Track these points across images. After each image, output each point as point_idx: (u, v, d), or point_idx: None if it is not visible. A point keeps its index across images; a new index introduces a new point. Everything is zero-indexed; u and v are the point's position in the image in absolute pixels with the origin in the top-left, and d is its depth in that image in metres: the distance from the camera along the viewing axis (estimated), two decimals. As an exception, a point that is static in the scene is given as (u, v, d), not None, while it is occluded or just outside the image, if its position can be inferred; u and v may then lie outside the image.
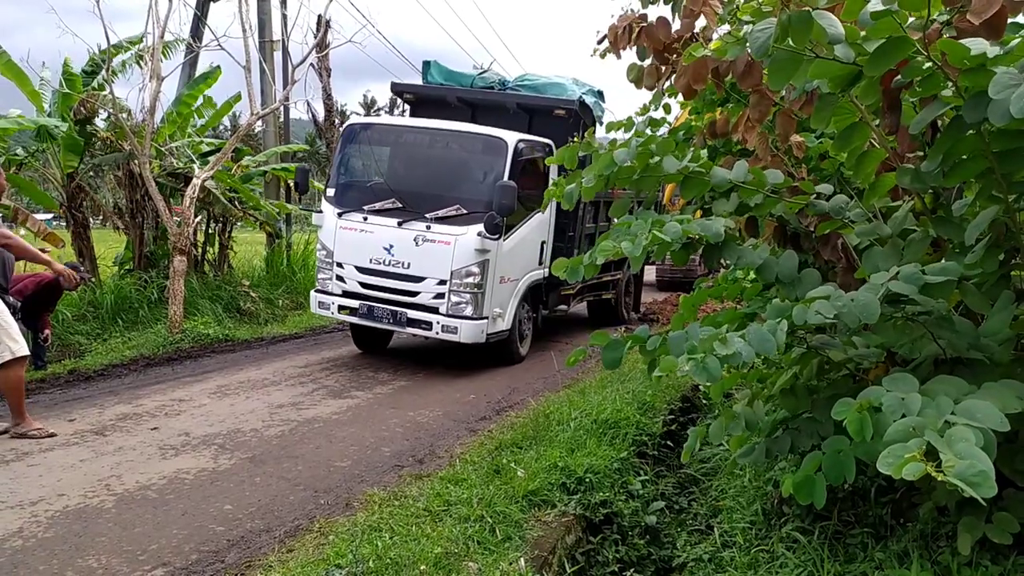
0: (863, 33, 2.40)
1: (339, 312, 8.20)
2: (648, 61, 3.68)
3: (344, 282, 8.22)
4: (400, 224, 7.91)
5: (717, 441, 3.72)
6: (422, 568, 3.40)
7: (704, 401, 6.89)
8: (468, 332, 7.73)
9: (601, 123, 8.46)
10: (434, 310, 7.79)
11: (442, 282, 7.75)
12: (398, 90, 10.25)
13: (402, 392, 7.25)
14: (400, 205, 8.05)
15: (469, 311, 7.75)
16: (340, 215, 8.25)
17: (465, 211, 7.83)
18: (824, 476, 2.59)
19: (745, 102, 3.42)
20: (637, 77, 3.89)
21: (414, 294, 7.85)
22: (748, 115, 3.31)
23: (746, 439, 3.62)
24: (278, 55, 13.14)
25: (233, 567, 3.62)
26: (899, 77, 2.52)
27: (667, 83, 3.78)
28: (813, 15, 2.31)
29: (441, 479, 4.56)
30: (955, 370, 2.63)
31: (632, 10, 3.62)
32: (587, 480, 4.69)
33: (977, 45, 2.16)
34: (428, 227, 7.82)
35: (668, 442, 6.04)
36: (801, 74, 2.55)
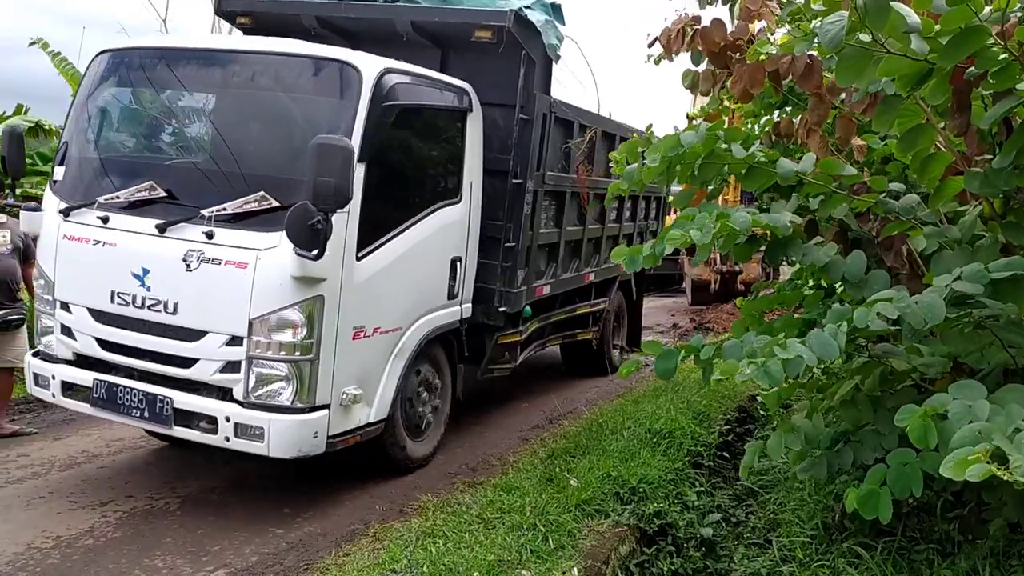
0: (937, 26, 2.33)
1: (63, 394, 4.58)
2: (703, 65, 3.64)
3: (73, 337, 4.54)
4: (163, 230, 4.18)
5: (776, 458, 3.65)
6: (475, 575, 3.41)
7: (761, 412, 6.75)
8: (283, 437, 4.06)
9: (558, 57, 5.56)
10: (224, 393, 4.19)
11: (235, 340, 4.10)
12: (226, 9, 6.04)
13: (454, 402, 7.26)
14: (163, 193, 4.36)
15: (287, 396, 4.11)
16: (65, 214, 4.52)
17: (278, 203, 4.09)
18: (889, 490, 2.52)
19: (804, 105, 3.36)
20: (693, 82, 3.85)
21: (187, 362, 4.21)
22: (807, 119, 3.25)
23: (805, 453, 3.54)
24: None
25: (292, 569, 3.70)
26: (971, 69, 2.43)
27: (722, 87, 3.74)
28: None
29: (494, 487, 4.57)
30: (1027, 380, 2.53)
31: (686, 12, 3.59)
32: (641, 490, 4.64)
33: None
34: (209, 234, 4.10)
35: (724, 453, 5.94)
36: (869, 72, 2.48)
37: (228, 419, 4.09)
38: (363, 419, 4.52)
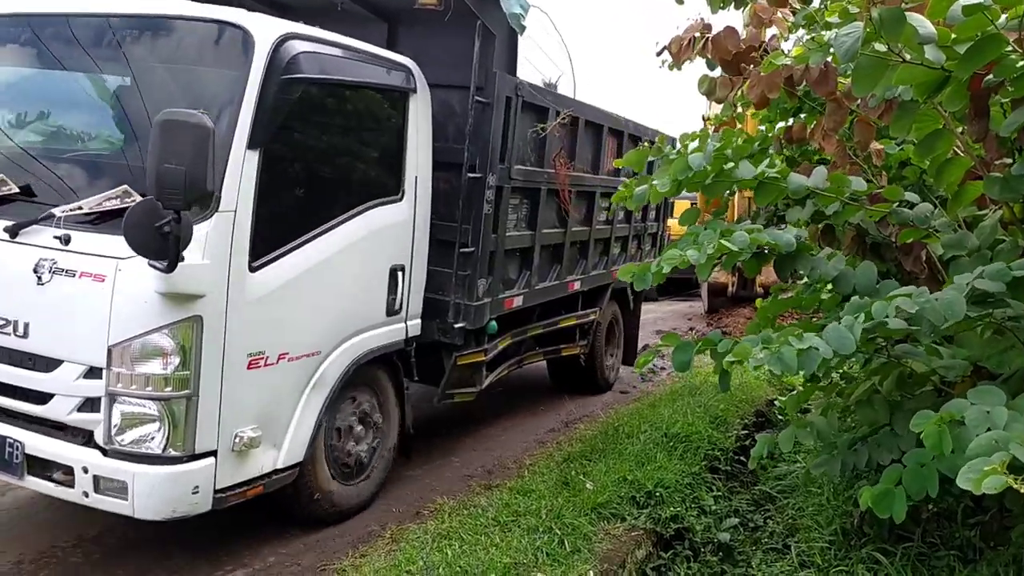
0: (953, 36, 2.33)
1: None
2: (718, 72, 3.65)
3: None
4: (13, 234, 3.45)
5: (786, 449, 3.63)
6: (491, 577, 3.43)
7: (779, 416, 6.71)
8: (151, 494, 3.29)
9: (522, 28, 4.90)
10: (84, 437, 3.41)
11: (93, 371, 3.34)
12: None
13: (469, 403, 7.28)
14: (15, 189, 3.56)
15: (157, 442, 3.31)
16: None
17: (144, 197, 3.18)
18: (904, 490, 2.51)
19: (820, 110, 3.35)
20: (709, 89, 3.85)
21: (41, 397, 3.47)
22: (823, 124, 3.25)
23: (819, 452, 3.53)
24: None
25: (309, 569, 3.74)
26: (990, 77, 2.42)
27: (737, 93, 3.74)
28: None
29: (510, 490, 4.58)
30: (1048, 385, 2.51)
31: (700, 17, 3.59)
32: (657, 494, 4.63)
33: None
34: (64, 239, 3.35)
35: (741, 457, 5.91)
36: (885, 80, 2.48)
37: (86, 470, 3.28)
38: (266, 466, 3.69)
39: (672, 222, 8.95)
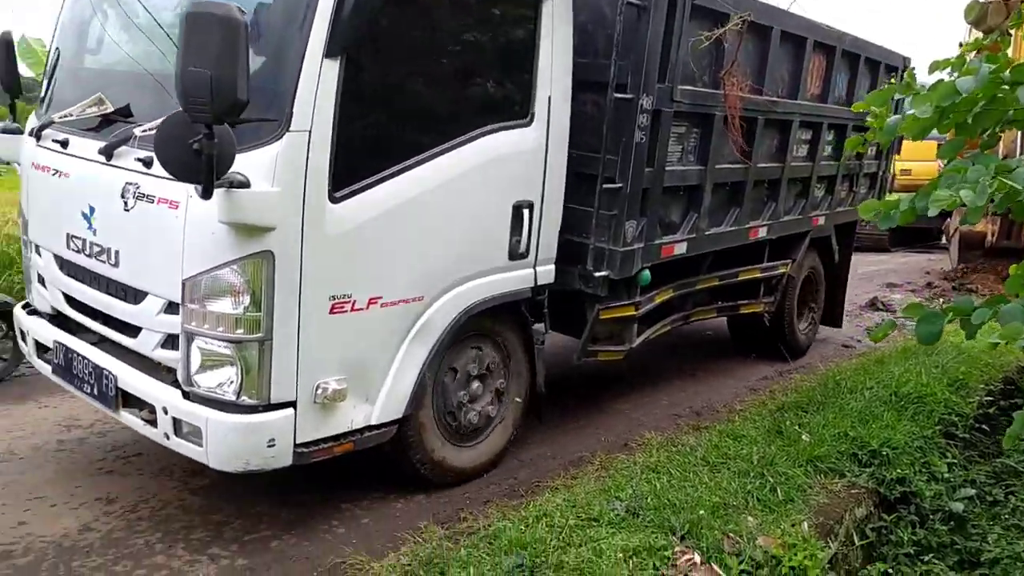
0: None
1: (37, 355, 3.90)
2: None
3: (44, 287, 3.86)
4: (108, 156, 3.24)
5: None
6: (700, 513, 3.44)
7: (1035, 386, 5.97)
8: (223, 443, 3.06)
9: None
10: (172, 376, 3.22)
11: (172, 307, 3.15)
12: None
13: (681, 343, 7.19)
14: (109, 108, 3.39)
15: (231, 388, 3.06)
16: (37, 137, 3.73)
17: None
18: None
19: None
20: (979, 17, 3.39)
21: (132, 331, 3.35)
22: None
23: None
24: None
25: (524, 484, 3.98)
26: None
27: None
28: None
29: (719, 432, 4.52)
30: None
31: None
32: (883, 454, 4.35)
33: None
34: (146, 161, 3.05)
35: (983, 426, 5.36)
36: None
37: (166, 411, 3.13)
38: (357, 421, 3.34)
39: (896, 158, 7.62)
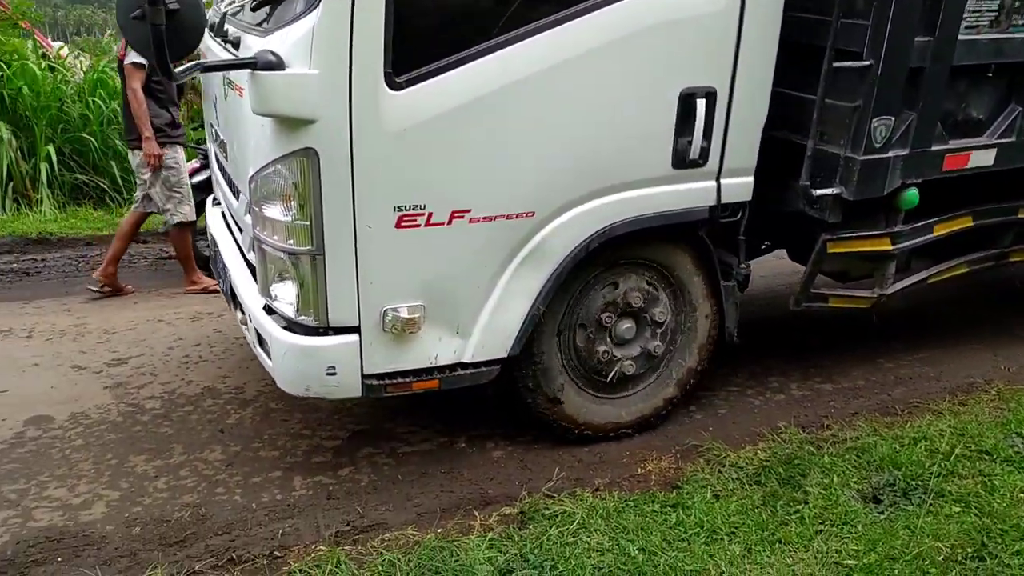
0: None
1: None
2: None
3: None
4: (236, 44, 2.83)
5: None
6: None
7: None
8: (283, 364, 2.72)
9: None
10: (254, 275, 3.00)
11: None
12: None
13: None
14: None
15: (290, 305, 2.64)
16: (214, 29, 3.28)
17: None
18: None
19: None
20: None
21: (240, 230, 3.22)
22: None
23: None
24: None
25: (899, 401, 3.67)
26: None
27: None
28: None
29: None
30: None
31: None
32: None
33: None
34: (234, 43, 2.83)
35: None
36: None
37: (249, 320, 2.89)
38: (443, 356, 2.79)
39: None
